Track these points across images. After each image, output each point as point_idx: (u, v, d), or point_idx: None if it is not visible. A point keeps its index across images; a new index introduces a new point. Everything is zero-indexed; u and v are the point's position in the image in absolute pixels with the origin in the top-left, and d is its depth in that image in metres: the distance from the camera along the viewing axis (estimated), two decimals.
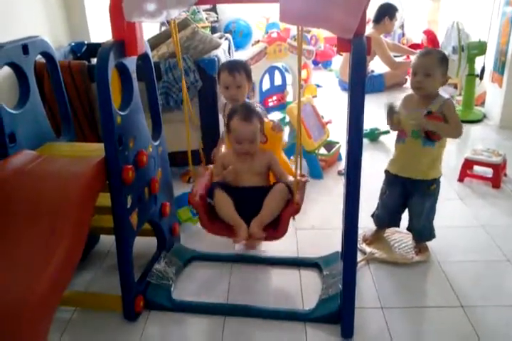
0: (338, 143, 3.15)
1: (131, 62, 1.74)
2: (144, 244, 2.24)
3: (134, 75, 1.76)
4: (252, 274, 2.15)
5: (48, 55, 1.92)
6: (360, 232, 2.33)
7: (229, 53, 3.10)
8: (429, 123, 1.96)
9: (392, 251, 2.23)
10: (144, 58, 1.85)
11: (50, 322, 1.41)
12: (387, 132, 3.47)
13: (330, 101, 4.34)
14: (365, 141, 3.51)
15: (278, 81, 3.93)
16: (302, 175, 1.98)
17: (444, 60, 1.99)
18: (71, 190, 1.54)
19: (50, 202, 1.54)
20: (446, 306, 1.90)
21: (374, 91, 4.63)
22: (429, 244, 2.24)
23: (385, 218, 2.27)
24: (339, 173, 3.02)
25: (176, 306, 1.93)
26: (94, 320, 1.89)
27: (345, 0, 1.42)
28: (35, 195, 1.57)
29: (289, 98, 3.96)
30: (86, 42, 3.17)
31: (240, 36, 6.42)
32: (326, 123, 3.15)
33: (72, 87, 2.51)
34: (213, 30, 6.05)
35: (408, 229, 2.26)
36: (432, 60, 1.97)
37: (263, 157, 1.96)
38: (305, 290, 2.02)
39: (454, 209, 2.64)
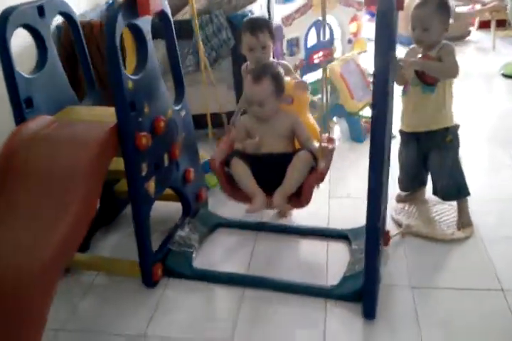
0: None
1: (144, 23, 1.62)
2: (171, 209, 2.22)
3: (148, 36, 1.65)
4: (277, 244, 2.07)
5: (67, 16, 1.83)
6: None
7: (268, 7, 2.89)
8: (415, 62, 1.83)
9: (431, 225, 2.06)
10: (161, 16, 1.72)
11: (54, 288, 1.40)
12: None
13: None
14: None
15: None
16: (330, 140, 1.83)
17: (442, 7, 1.82)
18: (82, 157, 1.51)
19: (62, 168, 1.52)
20: (484, 289, 1.74)
21: None
22: (474, 218, 2.05)
23: (407, 180, 2.15)
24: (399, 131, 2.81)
25: (196, 274, 1.90)
26: (115, 285, 1.90)
27: None
28: (48, 162, 1.55)
29: (338, 54, 3.70)
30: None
31: None
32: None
33: (94, 47, 2.42)
34: None
35: (434, 192, 2.09)
36: (429, 12, 1.82)
37: (286, 119, 1.80)
38: (331, 264, 1.92)
39: (507, 177, 2.40)
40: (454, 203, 2.10)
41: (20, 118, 1.68)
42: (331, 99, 2.78)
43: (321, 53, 3.61)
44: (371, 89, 2.82)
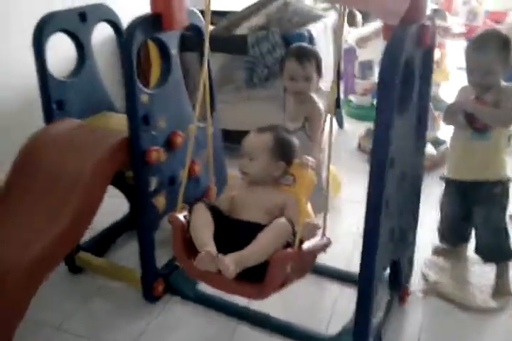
0: (444, 142, 2.67)
1: (170, 37, 1.60)
2: None
3: (173, 51, 1.62)
4: None
5: (112, 23, 1.87)
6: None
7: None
8: (467, 104, 1.67)
9: (461, 287, 1.83)
10: (193, 30, 1.69)
11: (40, 282, 1.43)
12: None
13: None
14: None
15: None
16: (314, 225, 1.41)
17: (504, 46, 1.61)
18: (88, 163, 1.53)
19: (69, 173, 1.56)
20: None
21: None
22: None
23: (448, 232, 1.95)
24: (441, 177, 2.57)
25: (197, 297, 1.84)
26: (120, 293, 1.90)
27: None
28: (59, 163, 1.60)
29: None
30: (199, 8, 3.10)
31: None
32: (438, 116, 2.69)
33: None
34: None
35: (475, 250, 1.86)
36: (491, 54, 1.59)
37: (279, 195, 1.48)
38: (337, 310, 1.77)
39: None
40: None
41: (49, 119, 1.74)
42: None
43: None
44: (436, 124, 2.64)
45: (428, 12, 3.41)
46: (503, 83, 1.68)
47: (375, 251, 1.28)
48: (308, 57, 1.82)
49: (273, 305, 1.77)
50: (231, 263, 1.23)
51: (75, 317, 1.79)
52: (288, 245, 1.32)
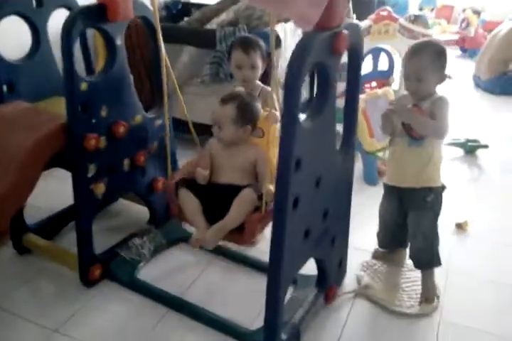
0: None
1: (115, 27, 1.62)
2: (145, 213, 2.22)
3: (119, 42, 1.65)
4: (227, 272, 1.99)
5: (71, 10, 1.88)
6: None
7: None
8: (404, 114, 1.68)
9: (391, 292, 1.85)
10: (144, 22, 1.71)
11: None
12: (485, 146, 2.88)
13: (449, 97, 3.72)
14: (459, 151, 2.99)
15: (384, 65, 3.46)
16: None
17: (439, 55, 1.65)
18: (28, 142, 1.57)
19: (8, 151, 1.60)
20: None
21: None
22: (442, 297, 1.82)
23: (385, 236, 1.98)
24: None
25: (133, 285, 1.89)
26: (59, 275, 1.94)
27: None
28: (5, 141, 1.63)
29: (395, 86, 3.47)
30: (182, 0, 3.12)
31: (394, 9, 5.76)
32: None
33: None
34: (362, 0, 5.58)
35: (409, 256, 1.88)
36: (424, 61, 1.63)
37: (250, 152, 1.72)
38: None
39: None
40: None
41: None
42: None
43: (374, 83, 3.44)
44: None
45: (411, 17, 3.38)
46: (438, 93, 1.70)
47: (282, 247, 1.31)
48: (253, 46, 1.89)
49: (204, 298, 1.83)
50: (212, 235, 1.60)
51: (13, 296, 1.84)
52: (257, 208, 1.62)
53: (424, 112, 1.67)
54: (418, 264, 1.85)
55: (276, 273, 1.35)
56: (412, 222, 1.82)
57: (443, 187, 1.78)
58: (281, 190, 1.25)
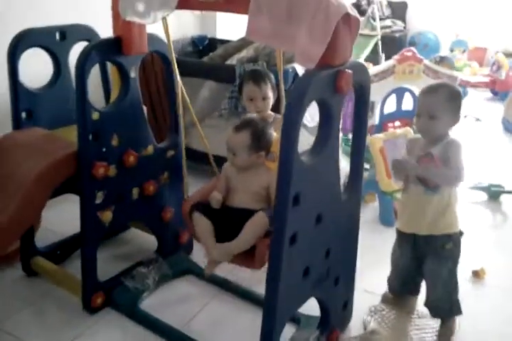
0: None
1: (129, 61, 1.68)
2: (153, 243, 2.22)
3: (133, 74, 1.70)
4: (231, 307, 1.95)
5: None
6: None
7: None
8: (416, 169, 1.65)
9: (399, 339, 1.77)
10: (160, 56, 1.77)
11: None
12: (509, 192, 2.79)
13: (471, 139, 3.65)
14: (483, 196, 2.90)
15: (408, 105, 3.45)
16: None
17: (454, 96, 1.64)
18: (36, 169, 1.62)
19: (19, 177, 1.65)
20: None
21: None
22: None
23: (397, 283, 1.89)
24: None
25: (134, 315, 1.87)
26: (64, 300, 1.94)
27: (310, 23, 1.13)
28: (14, 166, 1.70)
29: None
30: (208, 36, 3.22)
31: (425, 50, 5.81)
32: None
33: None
34: (393, 40, 5.64)
35: (425, 303, 1.80)
36: (438, 99, 1.61)
37: (264, 176, 1.73)
38: None
39: None
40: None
41: (16, 126, 1.84)
42: (369, 173, 2.63)
43: (397, 123, 3.41)
44: None
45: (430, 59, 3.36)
46: (450, 136, 1.67)
47: (278, 283, 1.29)
48: (263, 78, 1.95)
49: (205, 332, 1.79)
50: (220, 254, 1.63)
51: (16, 318, 1.85)
52: (269, 233, 1.56)
53: (437, 161, 1.63)
54: (436, 313, 1.77)
55: (271, 308, 1.33)
56: (430, 271, 1.75)
57: (461, 233, 1.73)
58: (279, 224, 1.24)
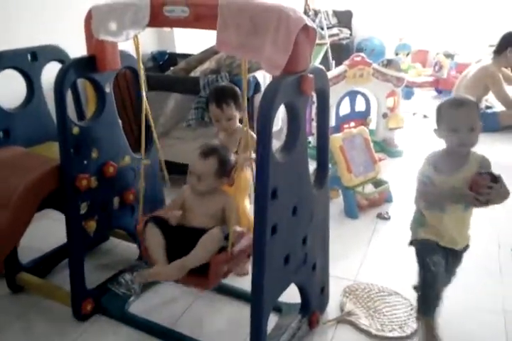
0: (386, 182, 2.82)
1: (104, 77, 1.79)
2: (134, 250, 2.31)
3: (107, 89, 1.81)
4: (215, 304, 2.05)
5: (63, 62, 2.05)
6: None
7: None
8: (493, 193, 1.59)
9: (373, 316, 1.93)
10: (131, 72, 1.89)
11: None
12: None
13: (421, 134, 3.92)
14: None
15: (361, 107, 3.68)
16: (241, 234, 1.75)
17: (478, 106, 1.75)
18: (21, 186, 1.68)
19: (4, 193, 1.70)
20: None
21: (486, 131, 4.06)
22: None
23: (434, 301, 1.75)
24: (378, 216, 2.72)
25: (124, 318, 1.95)
26: (53, 311, 2.01)
27: (273, 35, 1.28)
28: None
29: (372, 126, 3.68)
30: (168, 51, 3.34)
31: (372, 54, 6.12)
32: (380, 159, 2.85)
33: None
34: (341, 47, 5.91)
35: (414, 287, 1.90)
36: (473, 112, 1.67)
37: (220, 199, 1.78)
38: None
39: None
40: (410, 296, 1.96)
41: None
42: (331, 170, 2.80)
43: (352, 123, 3.63)
44: (376, 166, 2.80)
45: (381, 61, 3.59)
46: (473, 151, 1.71)
47: (263, 270, 1.41)
48: (225, 100, 2.02)
49: (194, 330, 1.89)
50: (171, 270, 1.62)
51: (5, 332, 1.90)
52: (223, 248, 1.66)
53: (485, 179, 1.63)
54: None
55: (259, 295, 1.45)
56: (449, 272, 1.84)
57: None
58: (260, 217, 1.36)
